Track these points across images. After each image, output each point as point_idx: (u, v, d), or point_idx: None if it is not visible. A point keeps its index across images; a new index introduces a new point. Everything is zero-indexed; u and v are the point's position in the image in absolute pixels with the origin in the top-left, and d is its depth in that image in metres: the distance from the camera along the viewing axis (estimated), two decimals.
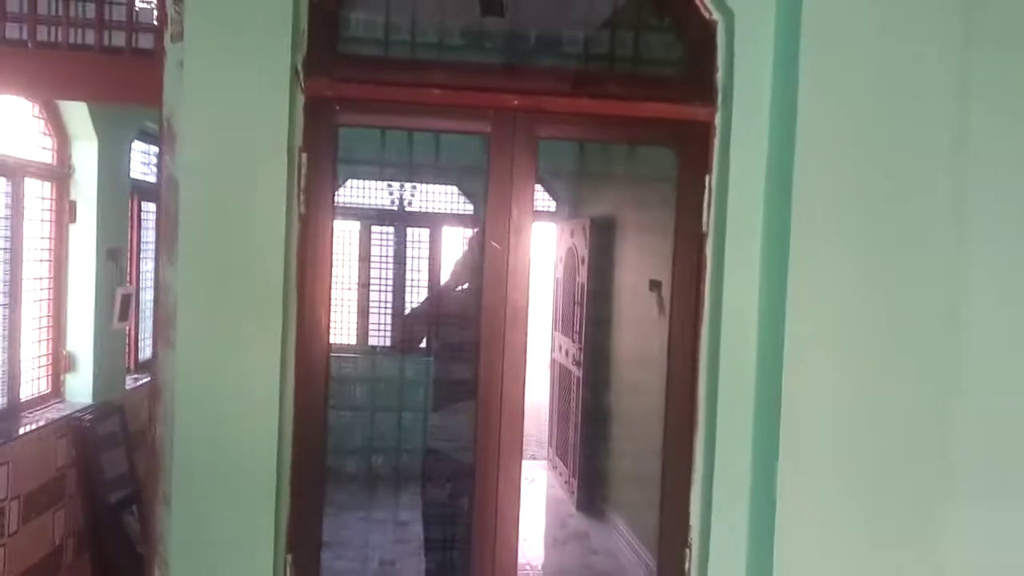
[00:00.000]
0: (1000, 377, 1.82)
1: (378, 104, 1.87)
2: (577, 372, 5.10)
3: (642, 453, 4.27)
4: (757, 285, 1.86)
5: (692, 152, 1.94)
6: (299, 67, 1.79)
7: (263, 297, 1.76)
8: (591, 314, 5.01)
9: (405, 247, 5.60)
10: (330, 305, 1.89)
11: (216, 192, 1.76)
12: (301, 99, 1.81)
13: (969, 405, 1.79)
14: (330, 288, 1.88)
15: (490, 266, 1.90)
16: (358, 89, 1.85)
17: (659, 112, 1.92)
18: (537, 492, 5.48)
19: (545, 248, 5.98)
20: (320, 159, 1.84)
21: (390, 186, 5.61)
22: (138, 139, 4.35)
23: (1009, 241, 1.80)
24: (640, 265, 4.62)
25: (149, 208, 4.63)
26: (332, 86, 1.83)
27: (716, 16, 1.87)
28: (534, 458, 6.22)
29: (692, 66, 1.95)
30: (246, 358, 1.76)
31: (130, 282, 4.28)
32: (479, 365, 1.91)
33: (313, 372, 1.86)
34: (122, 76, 1.81)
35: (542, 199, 5.86)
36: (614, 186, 4.83)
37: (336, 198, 1.96)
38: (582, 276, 5.11)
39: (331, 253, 1.88)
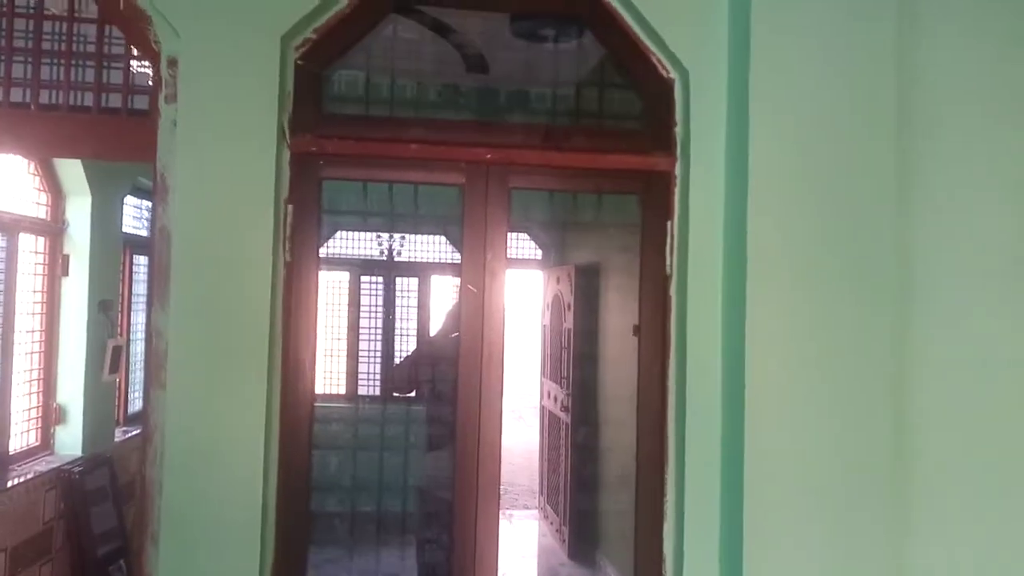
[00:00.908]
0: (946, 390, 1.93)
1: (359, 158, 2.02)
2: (566, 418, 5.17)
3: (631, 498, 4.33)
4: (719, 321, 1.98)
5: (654, 199, 2.08)
6: (285, 125, 1.94)
7: (250, 342, 1.87)
8: (578, 359, 5.11)
9: (394, 296, 5.73)
10: (315, 351, 2.00)
11: (206, 242, 1.88)
12: (287, 154, 1.95)
13: (919, 418, 1.89)
14: (315, 334, 2.00)
15: (466, 309, 2.03)
16: (340, 145, 1.99)
17: (623, 163, 2.07)
18: (529, 541, 5.49)
19: (533, 295, 6.11)
20: (305, 210, 1.97)
21: (379, 236, 5.76)
22: (130, 194, 4.49)
23: (950, 277, 1.93)
24: (623, 309, 4.74)
25: (140, 261, 4.77)
26: (316, 142, 1.97)
27: (672, 74, 2.04)
28: (526, 508, 6.24)
29: (652, 120, 2.11)
30: (233, 401, 1.86)
31: (121, 334, 4.38)
32: (456, 405, 2.01)
33: (298, 417, 1.96)
34: (119, 135, 1.95)
35: (529, 247, 6.02)
36: (597, 233, 4.99)
37: (325, 249, 2.09)
38: (568, 322, 5.22)
39: (316, 300, 2.00)
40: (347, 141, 2.00)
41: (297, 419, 1.97)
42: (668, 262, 2.07)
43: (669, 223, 2.06)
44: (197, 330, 1.87)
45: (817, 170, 1.87)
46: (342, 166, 2.03)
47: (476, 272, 2.02)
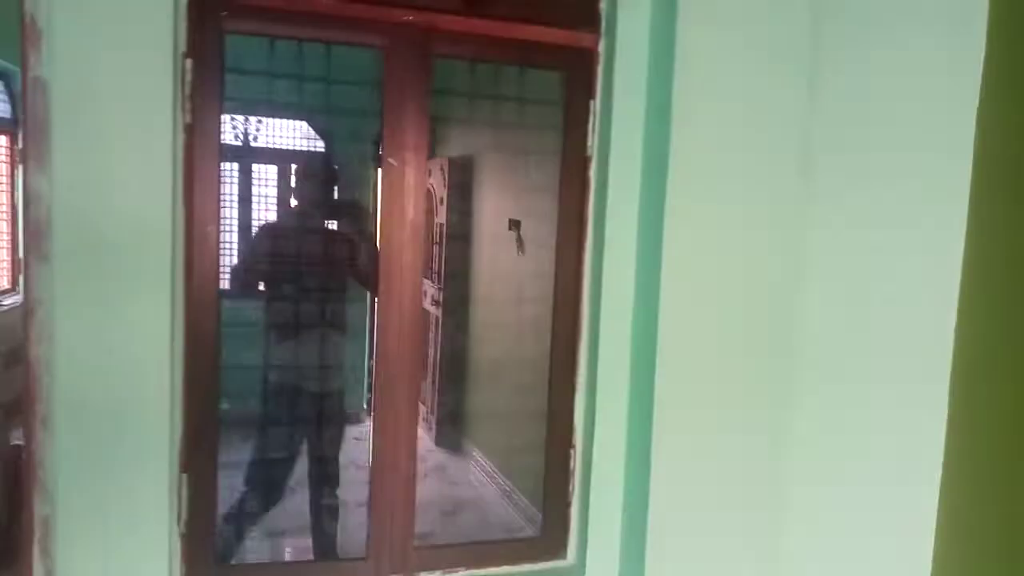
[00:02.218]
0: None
1: (267, 11, 1.84)
2: (436, 312, 5.21)
3: (498, 389, 4.49)
4: (637, 203, 2.05)
5: (578, 77, 2.08)
6: None
7: (150, 211, 1.71)
8: (450, 254, 5.12)
9: (251, 184, 5.42)
10: (219, 222, 1.86)
11: (92, 96, 1.67)
12: (184, 0, 1.75)
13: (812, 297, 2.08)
14: (219, 203, 1.86)
15: (388, 184, 1.95)
16: None
17: (548, 36, 2.04)
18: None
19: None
20: (206, 67, 1.79)
21: (233, 119, 5.37)
22: None
23: (849, 179, 2.09)
24: (499, 205, 4.78)
25: None
26: None
27: None
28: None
29: None
30: (134, 273, 1.71)
31: None
32: (379, 281, 1.96)
33: (204, 287, 1.84)
34: None
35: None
36: (471, 128, 4.92)
37: None
38: (440, 216, 5.19)
39: (219, 165, 1.85)
40: None
41: (204, 292, 1.85)
42: (589, 143, 2.09)
43: (592, 102, 2.07)
44: (86, 195, 1.68)
45: (743, 52, 1.93)
46: (248, 19, 1.84)
47: (396, 145, 1.94)
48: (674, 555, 1.98)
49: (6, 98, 4.99)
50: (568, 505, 2.16)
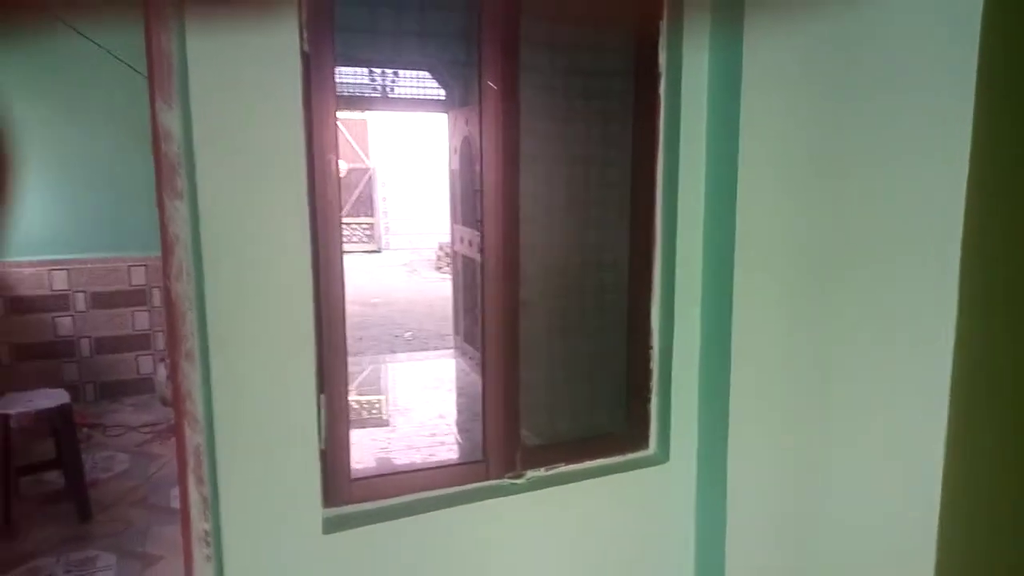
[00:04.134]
0: None
1: None
2: (481, 259, 5.35)
3: (546, 328, 4.70)
4: (704, 149, 2.27)
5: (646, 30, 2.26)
6: None
7: (282, 141, 1.79)
8: (525, 192, 5.22)
9: None
10: (338, 156, 1.96)
11: (220, 30, 1.72)
12: None
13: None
14: (336, 134, 1.95)
15: (488, 108, 2.10)
16: None
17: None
18: (448, 378, 5.93)
19: (437, 139, 5.94)
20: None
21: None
22: None
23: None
24: (542, 148, 4.88)
25: None
26: None
27: None
28: (436, 349, 6.54)
29: None
30: (271, 207, 1.79)
31: None
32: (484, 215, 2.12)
33: (328, 217, 1.94)
34: None
35: (430, 87, 5.72)
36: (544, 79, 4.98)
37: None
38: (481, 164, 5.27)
39: (334, 98, 1.93)
40: None
41: (328, 221, 1.95)
42: (659, 92, 2.29)
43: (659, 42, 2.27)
44: (217, 130, 1.74)
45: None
46: None
47: (496, 71, 2.08)
48: (750, 441, 2.27)
49: None
50: (648, 401, 2.42)
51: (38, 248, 5.32)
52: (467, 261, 5.86)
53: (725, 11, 2.17)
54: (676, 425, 2.37)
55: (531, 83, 2.28)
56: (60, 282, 5.47)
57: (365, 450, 4.28)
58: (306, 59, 1.85)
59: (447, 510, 2.11)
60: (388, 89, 5.63)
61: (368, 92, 5.53)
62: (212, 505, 1.85)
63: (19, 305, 5.37)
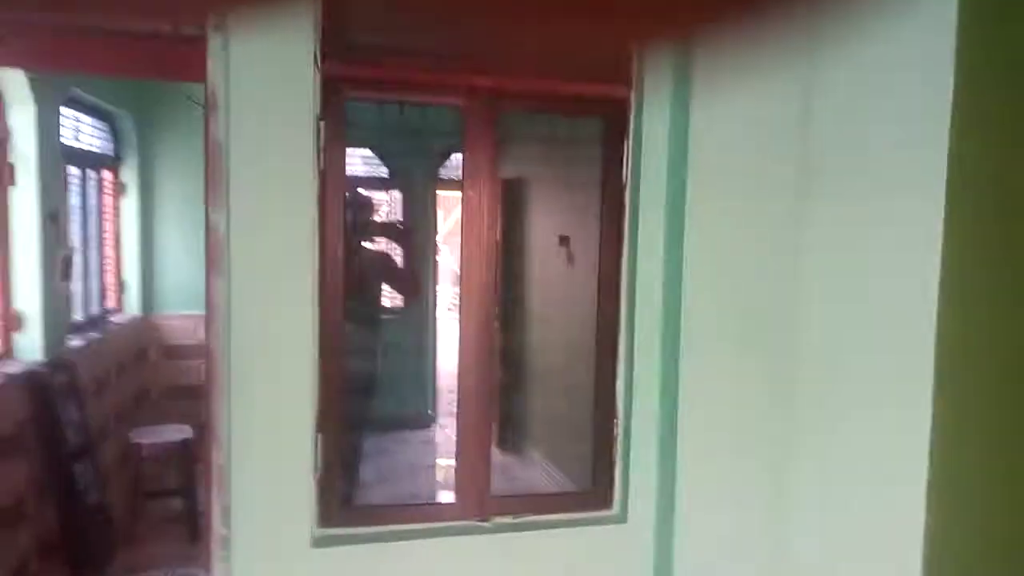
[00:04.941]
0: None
1: (377, 82, 2.53)
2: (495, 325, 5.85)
3: (553, 393, 5.12)
4: (663, 220, 2.67)
5: (615, 122, 2.71)
6: (317, 53, 2.41)
7: (297, 236, 2.39)
8: (505, 271, 5.77)
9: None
10: (346, 244, 2.54)
11: (254, 152, 2.36)
12: (319, 78, 2.43)
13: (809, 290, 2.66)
14: (345, 233, 2.53)
15: (466, 215, 2.62)
16: (361, 70, 2.50)
17: (591, 91, 2.68)
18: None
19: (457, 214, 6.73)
20: (334, 127, 2.47)
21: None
22: (64, 105, 4.67)
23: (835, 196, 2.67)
24: (549, 223, 5.42)
25: (73, 172, 4.97)
26: (342, 68, 2.46)
27: None
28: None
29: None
30: (286, 284, 2.39)
31: (67, 244, 4.64)
32: (463, 298, 2.63)
33: (332, 296, 2.51)
34: (171, 58, 2.37)
35: (453, 166, 6.55)
36: (523, 151, 5.59)
37: None
38: (496, 235, 5.85)
39: (342, 204, 2.52)
40: (367, 67, 2.50)
41: (332, 298, 2.52)
42: (624, 173, 2.72)
43: (626, 142, 2.71)
44: (252, 225, 2.37)
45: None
46: (363, 89, 2.53)
47: (477, 180, 2.60)
48: (700, 503, 2.57)
49: (110, 137, 5.84)
50: (613, 465, 2.77)
51: (186, 302, 6.33)
52: None
53: (680, 78, 2.58)
54: (635, 489, 2.71)
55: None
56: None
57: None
58: (322, 176, 2.46)
59: (420, 540, 2.56)
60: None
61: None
62: (229, 515, 2.42)
63: (170, 352, 6.39)
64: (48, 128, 4.33)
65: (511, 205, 5.79)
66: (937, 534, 2.62)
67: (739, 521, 2.63)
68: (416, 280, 5.20)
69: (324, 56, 2.44)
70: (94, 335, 5.02)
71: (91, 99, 5.19)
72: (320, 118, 2.45)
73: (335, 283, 2.52)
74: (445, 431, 6.44)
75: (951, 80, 2.56)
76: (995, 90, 2.28)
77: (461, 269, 2.64)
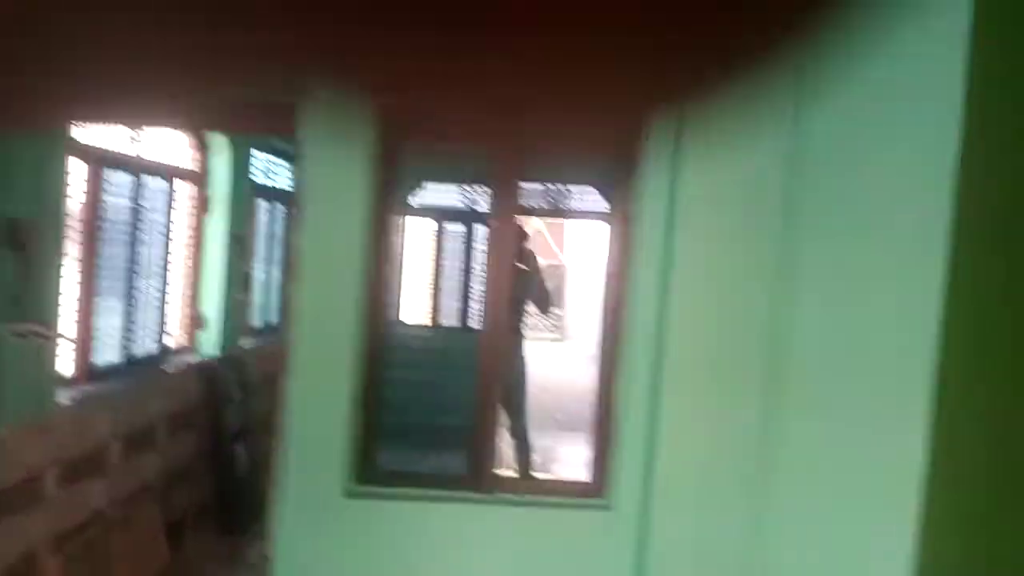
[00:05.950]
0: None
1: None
2: None
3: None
4: (659, 259, 3.08)
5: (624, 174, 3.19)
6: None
7: (348, 261, 3.10)
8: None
9: (471, 240, 6.82)
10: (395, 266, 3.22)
11: (325, 238, 3.10)
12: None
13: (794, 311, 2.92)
14: (394, 255, 3.22)
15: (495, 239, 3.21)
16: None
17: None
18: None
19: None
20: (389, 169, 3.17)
21: (460, 187, 6.89)
22: (255, 148, 5.83)
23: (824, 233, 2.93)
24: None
25: (261, 204, 6.14)
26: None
27: None
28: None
29: None
30: (341, 298, 3.10)
31: (249, 263, 5.79)
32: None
33: (376, 313, 3.20)
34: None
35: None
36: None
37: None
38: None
39: (395, 232, 3.20)
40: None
41: (378, 322, 3.21)
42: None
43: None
44: (318, 256, 3.10)
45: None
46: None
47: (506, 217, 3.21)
48: (675, 496, 2.96)
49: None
50: (608, 460, 3.19)
51: None
52: None
53: (677, 139, 3.00)
54: (624, 482, 3.11)
55: None
56: None
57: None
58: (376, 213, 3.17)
59: (433, 503, 3.16)
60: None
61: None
62: (286, 468, 3.14)
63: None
64: (239, 168, 5.46)
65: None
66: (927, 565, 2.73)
67: (715, 524, 2.95)
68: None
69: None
70: (267, 339, 6.10)
71: (282, 144, 6.34)
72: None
73: (379, 299, 3.21)
74: None
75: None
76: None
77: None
